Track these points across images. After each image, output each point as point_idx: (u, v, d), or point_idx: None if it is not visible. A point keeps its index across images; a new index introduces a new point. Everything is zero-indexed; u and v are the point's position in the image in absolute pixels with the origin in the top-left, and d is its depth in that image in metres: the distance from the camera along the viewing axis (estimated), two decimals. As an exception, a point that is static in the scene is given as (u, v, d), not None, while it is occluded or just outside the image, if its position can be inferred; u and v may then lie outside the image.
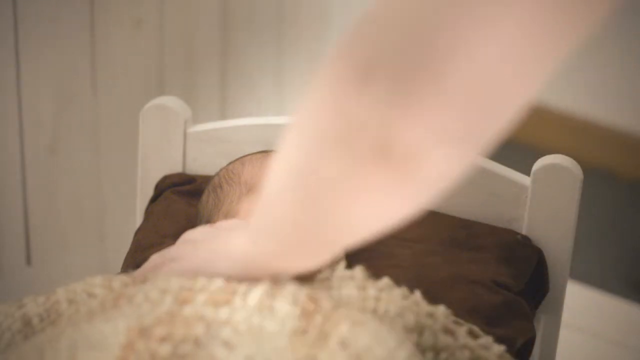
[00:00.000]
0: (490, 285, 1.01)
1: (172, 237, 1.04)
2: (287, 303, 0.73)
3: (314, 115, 0.61)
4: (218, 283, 0.76)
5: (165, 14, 1.69)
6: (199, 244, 0.82)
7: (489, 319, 0.96)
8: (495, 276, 1.02)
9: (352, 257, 0.94)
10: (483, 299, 0.99)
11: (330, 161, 0.61)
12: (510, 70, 0.55)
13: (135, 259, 1.04)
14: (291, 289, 0.74)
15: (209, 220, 1.03)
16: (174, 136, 1.16)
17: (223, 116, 1.85)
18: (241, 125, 1.15)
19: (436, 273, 1.01)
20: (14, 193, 1.58)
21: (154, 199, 1.15)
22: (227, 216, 1.01)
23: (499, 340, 0.88)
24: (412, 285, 0.85)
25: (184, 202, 1.12)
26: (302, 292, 0.74)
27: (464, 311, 0.94)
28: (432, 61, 0.54)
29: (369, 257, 0.99)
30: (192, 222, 1.08)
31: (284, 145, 0.66)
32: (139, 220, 1.16)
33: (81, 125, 1.63)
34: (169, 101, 1.16)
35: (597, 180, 2.26)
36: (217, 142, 1.15)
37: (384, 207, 0.62)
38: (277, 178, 0.68)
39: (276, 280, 0.77)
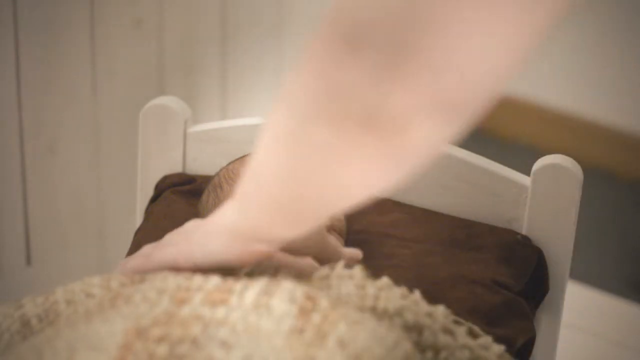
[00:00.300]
0: (491, 285, 1.01)
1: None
2: (284, 301, 0.72)
3: (303, 83, 0.62)
4: (214, 281, 0.75)
5: (165, 14, 1.69)
6: (190, 231, 0.83)
7: (489, 319, 0.96)
8: (496, 276, 1.02)
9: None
10: (483, 299, 0.99)
11: (318, 128, 0.61)
12: (496, 44, 0.55)
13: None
14: (288, 286, 0.74)
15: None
16: (174, 136, 1.16)
17: (223, 116, 1.85)
18: (241, 125, 1.15)
19: (436, 273, 1.01)
20: (14, 193, 1.58)
21: (154, 199, 1.15)
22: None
23: (499, 340, 0.88)
24: (412, 285, 0.85)
25: (184, 202, 1.12)
26: (299, 290, 0.74)
27: (464, 311, 0.94)
28: (420, 33, 0.54)
29: (369, 257, 0.99)
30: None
31: (273, 112, 0.66)
32: (139, 220, 1.16)
33: (81, 125, 1.63)
34: (169, 101, 1.16)
35: (597, 180, 2.26)
36: (217, 142, 1.15)
37: (371, 173, 0.63)
38: (265, 145, 0.68)
39: (274, 275, 0.77)
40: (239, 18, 1.82)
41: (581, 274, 1.89)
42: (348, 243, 1.03)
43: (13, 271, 1.62)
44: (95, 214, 1.70)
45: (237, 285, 0.75)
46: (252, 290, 0.74)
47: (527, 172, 1.07)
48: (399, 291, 0.82)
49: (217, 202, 1.03)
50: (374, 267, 0.89)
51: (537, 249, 1.06)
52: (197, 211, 1.08)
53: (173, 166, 1.17)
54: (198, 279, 0.76)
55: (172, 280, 0.77)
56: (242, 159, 1.08)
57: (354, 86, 0.58)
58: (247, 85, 1.88)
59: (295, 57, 1.98)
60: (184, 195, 1.13)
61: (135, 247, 1.08)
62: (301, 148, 0.64)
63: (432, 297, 0.86)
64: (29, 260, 1.64)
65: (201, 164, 1.16)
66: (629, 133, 2.29)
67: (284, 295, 0.73)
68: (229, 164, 1.09)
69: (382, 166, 0.61)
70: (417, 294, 0.83)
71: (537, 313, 1.07)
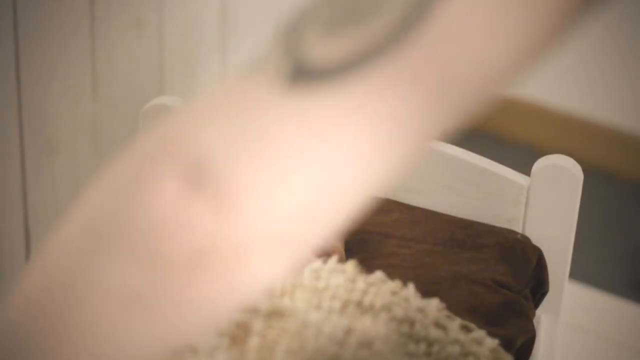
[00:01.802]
0: (491, 284, 1.01)
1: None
2: (209, 337, 0.68)
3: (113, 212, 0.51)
4: None
5: (165, 14, 1.69)
6: None
7: (488, 319, 0.96)
8: (496, 276, 1.02)
9: (353, 257, 0.94)
10: (483, 299, 0.99)
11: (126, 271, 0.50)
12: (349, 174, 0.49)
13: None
14: None
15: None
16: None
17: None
18: (241, 125, 1.15)
19: (436, 273, 1.01)
20: (14, 193, 1.58)
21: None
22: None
23: (498, 339, 0.88)
24: (412, 285, 0.85)
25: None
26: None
27: (464, 310, 0.94)
28: (258, 168, 0.48)
29: (369, 256, 0.99)
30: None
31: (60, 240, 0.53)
32: (139, 220, 1.16)
33: (81, 125, 1.63)
34: (169, 101, 1.16)
35: (597, 180, 2.26)
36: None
37: (192, 317, 0.51)
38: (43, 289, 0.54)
39: None
40: (239, 18, 1.82)
41: (581, 274, 1.89)
42: (348, 243, 1.04)
43: (13, 271, 1.62)
44: (95, 214, 1.69)
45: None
46: None
47: (527, 172, 1.07)
48: (391, 287, 0.82)
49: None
50: (374, 266, 0.90)
51: (537, 249, 1.06)
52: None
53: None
54: None
55: None
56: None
57: (186, 219, 0.49)
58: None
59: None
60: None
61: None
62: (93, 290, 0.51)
63: (432, 297, 0.86)
64: (28, 260, 1.64)
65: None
66: (629, 133, 2.29)
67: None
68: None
69: (207, 307, 0.51)
70: (409, 289, 0.83)
71: (537, 313, 1.07)
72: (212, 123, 0.49)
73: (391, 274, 0.85)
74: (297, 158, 0.47)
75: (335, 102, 0.46)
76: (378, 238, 1.06)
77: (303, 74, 0.47)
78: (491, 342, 0.84)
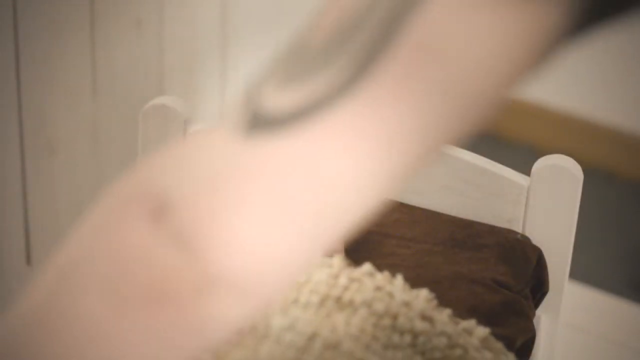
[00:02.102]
0: (491, 284, 1.01)
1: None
2: None
3: (89, 244, 0.54)
4: None
5: (165, 14, 1.69)
6: None
7: (488, 318, 0.96)
8: (496, 275, 1.02)
9: (353, 257, 0.94)
10: (483, 298, 0.99)
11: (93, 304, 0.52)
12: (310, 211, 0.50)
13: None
14: None
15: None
16: (174, 136, 1.16)
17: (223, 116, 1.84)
18: (241, 125, 1.15)
19: (436, 273, 1.01)
20: (14, 193, 1.58)
21: (154, 199, 1.15)
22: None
23: (498, 339, 0.88)
24: (412, 284, 0.85)
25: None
26: None
27: (464, 310, 0.94)
28: (225, 204, 0.50)
29: (369, 256, 0.99)
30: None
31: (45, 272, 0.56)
32: (139, 220, 1.16)
33: (81, 125, 1.63)
34: (169, 101, 1.16)
35: (597, 180, 2.26)
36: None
37: (154, 349, 0.52)
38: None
39: None
40: (239, 18, 1.82)
41: (581, 274, 1.89)
42: (348, 243, 1.04)
43: (13, 271, 1.62)
44: (95, 214, 1.69)
45: None
46: None
47: (527, 172, 1.07)
48: (377, 280, 0.82)
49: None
50: (374, 266, 0.90)
51: (537, 249, 1.06)
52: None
53: (173, 166, 1.17)
54: None
55: None
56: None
57: (149, 256, 0.51)
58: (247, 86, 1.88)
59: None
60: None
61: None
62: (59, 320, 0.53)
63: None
64: (29, 260, 1.64)
65: (201, 164, 1.16)
66: (629, 133, 2.29)
67: None
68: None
69: (166, 342, 0.52)
70: (396, 283, 0.82)
71: (537, 313, 1.07)
72: (177, 169, 0.52)
73: (391, 274, 0.85)
74: (259, 200, 0.49)
75: (292, 144, 0.49)
76: (378, 238, 1.06)
77: (260, 123, 0.50)
78: (482, 332, 0.84)
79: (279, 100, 0.50)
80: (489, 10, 0.47)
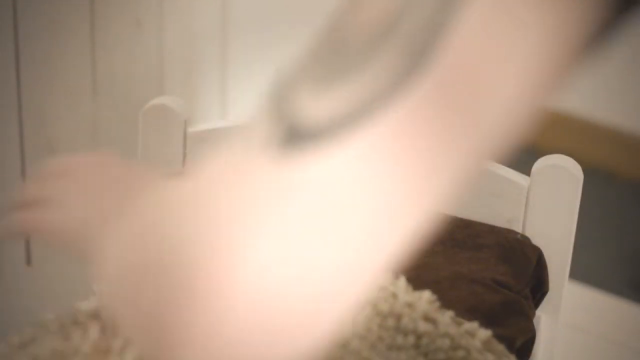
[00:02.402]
0: (491, 284, 1.01)
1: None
2: None
3: None
4: (89, 343, 0.72)
5: (165, 14, 1.69)
6: None
7: (488, 318, 0.96)
8: (496, 275, 1.02)
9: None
10: (483, 298, 0.99)
11: None
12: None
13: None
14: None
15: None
16: (174, 136, 1.16)
17: (223, 116, 1.85)
18: (241, 125, 1.15)
19: (436, 273, 1.01)
20: (14, 193, 1.58)
21: (154, 199, 1.15)
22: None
23: (498, 339, 0.88)
24: (412, 284, 0.85)
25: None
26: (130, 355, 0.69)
27: (464, 310, 0.94)
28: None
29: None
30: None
31: None
32: (139, 220, 1.16)
33: (81, 125, 1.63)
34: (169, 101, 1.16)
35: (597, 180, 2.26)
36: (217, 142, 1.15)
37: None
38: None
39: None
40: (239, 18, 1.82)
41: (581, 274, 1.89)
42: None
43: (13, 271, 1.62)
44: (95, 214, 1.69)
45: (117, 343, 0.71)
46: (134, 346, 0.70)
47: (527, 172, 1.07)
48: (380, 282, 0.82)
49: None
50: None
51: (537, 249, 1.06)
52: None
53: (173, 166, 1.17)
54: (76, 339, 0.72)
55: (49, 344, 0.73)
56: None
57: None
58: (247, 85, 1.88)
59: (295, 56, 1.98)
60: (184, 195, 1.13)
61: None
62: None
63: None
64: (29, 260, 1.64)
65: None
66: (629, 133, 2.29)
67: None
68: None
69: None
70: (399, 284, 0.82)
71: (537, 313, 1.07)
72: (211, 200, 0.46)
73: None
74: (297, 229, 0.43)
75: (334, 164, 0.43)
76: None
77: (296, 137, 0.43)
78: (484, 334, 0.84)
79: (315, 108, 0.43)
80: (526, 24, 0.43)
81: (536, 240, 1.07)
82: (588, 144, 2.29)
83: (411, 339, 0.80)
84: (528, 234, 1.07)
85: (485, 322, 0.95)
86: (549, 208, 1.06)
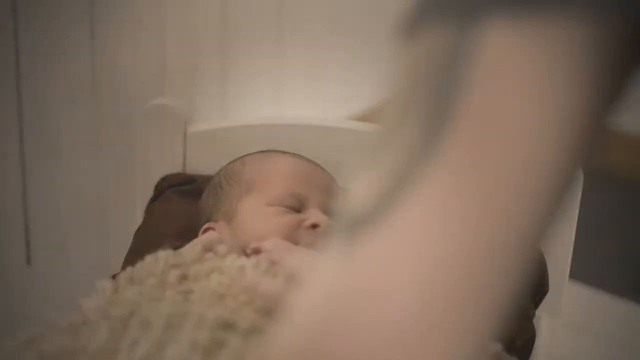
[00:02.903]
0: (490, 285, 1.01)
1: (172, 237, 1.04)
2: (181, 349, 0.68)
3: None
4: (98, 342, 0.72)
5: (165, 14, 1.69)
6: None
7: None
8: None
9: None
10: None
11: None
12: None
13: (135, 259, 1.04)
14: (189, 328, 0.70)
15: (208, 219, 1.03)
16: (174, 136, 1.16)
17: (223, 116, 1.85)
18: (241, 125, 1.15)
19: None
20: (14, 193, 1.59)
21: (154, 199, 1.15)
22: (227, 215, 1.01)
23: (498, 339, 0.88)
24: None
25: (184, 202, 1.12)
26: (202, 335, 0.69)
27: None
28: None
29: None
30: (192, 222, 1.08)
31: None
32: (139, 220, 1.17)
33: (81, 125, 1.63)
34: (169, 101, 1.16)
35: (597, 180, 2.26)
36: (217, 142, 1.15)
37: None
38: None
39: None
40: (239, 18, 1.82)
41: (581, 274, 1.90)
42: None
43: (13, 271, 1.62)
44: (95, 214, 1.70)
45: (126, 339, 0.71)
46: (142, 345, 0.70)
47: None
48: None
49: (217, 202, 1.03)
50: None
51: (537, 249, 1.06)
52: (197, 210, 1.08)
53: (173, 166, 1.17)
54: (84, 337, 0.73)
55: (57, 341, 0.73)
56: (242, 158, 1.08)
57: None
58: (247, 85, 1.88)
59: (295, 56, 1.98)
60: (184, 195, 1.13)
61: (135, 247, 1.09)
62: None
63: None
64: (29, 260, 1.64)
65: (201, 164, 1.16)
66: (629, 133, 2.29)
67: (180, 344, 0.69)
68: (229, 163, 1.09)
69: None
70: None
71: (537, 313, 1.07)
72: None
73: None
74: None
75: (390, 234, 0.44)
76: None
77: (356, 224, 0.44)
78: (494, 347, 0.84)
79: (364, 193, 0.44)
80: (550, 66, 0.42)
81: (536, 240, 1.07)
82: (588, 144, 2.30)
83: None
84: (528, 234, 1.07)
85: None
86: (549, 208, 1.06)
